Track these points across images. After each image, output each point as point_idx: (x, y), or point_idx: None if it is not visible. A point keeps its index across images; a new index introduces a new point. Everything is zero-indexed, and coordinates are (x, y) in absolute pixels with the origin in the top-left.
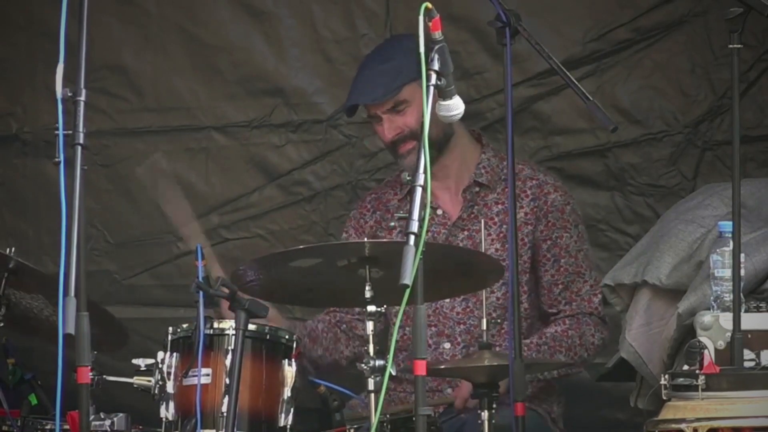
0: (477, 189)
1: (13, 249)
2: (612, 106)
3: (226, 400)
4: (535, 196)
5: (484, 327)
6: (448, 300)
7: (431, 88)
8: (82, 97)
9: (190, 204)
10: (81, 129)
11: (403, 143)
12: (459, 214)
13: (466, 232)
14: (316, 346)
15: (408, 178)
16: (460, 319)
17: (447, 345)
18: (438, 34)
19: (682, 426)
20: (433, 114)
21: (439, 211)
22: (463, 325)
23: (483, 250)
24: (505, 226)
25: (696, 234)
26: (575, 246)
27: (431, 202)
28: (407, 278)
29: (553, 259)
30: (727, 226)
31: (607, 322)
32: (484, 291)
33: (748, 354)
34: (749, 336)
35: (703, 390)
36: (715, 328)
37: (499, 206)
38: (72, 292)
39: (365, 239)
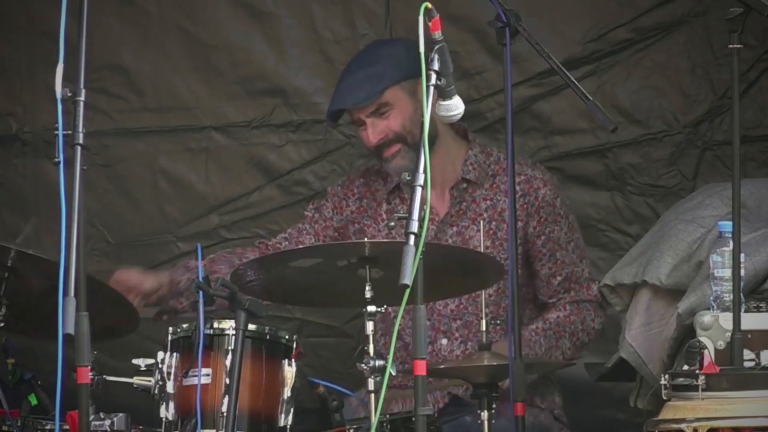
0: (465, 185)
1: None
2: (612, 106)
3: (226, 400)
4: (524, 192)
5: (484, 328)
6: None
7: (431, 88)
8: (82, 97)
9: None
10: (81, 129)
11: (387, 147)
12: (447, 210)
13: (455, 228)
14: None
15: (408, 178)
16: (454, 316)
17: (444, 341)
18: (438, 34)
19: (682, 426)
20: (417, 117)
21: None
22: (459, 320)
23: (482, 249)
24: (494, 222)
25: (696, 234)
26: (566, 237)
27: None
28: (407, 278)
29: (548, 253)
30: (727, 226)
31: (605, 307)
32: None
33: (748, 354)
34: (749, 336)
35: (703, 390)
36: (715, 328)
37: (487, 202)
38: (72, 292)
39: (340, 225)
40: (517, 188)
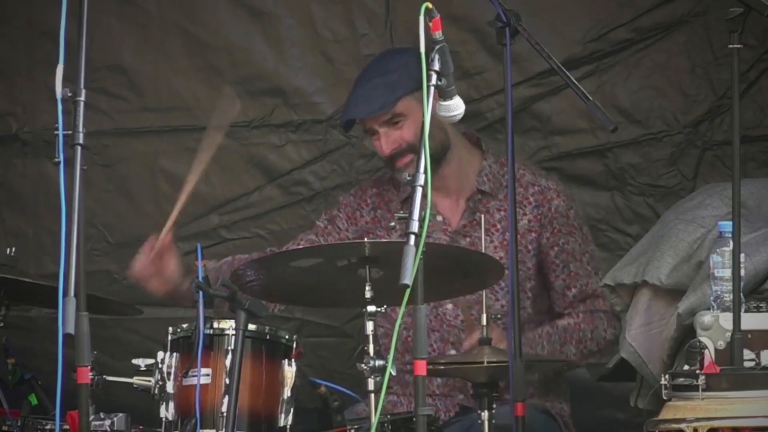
0: (480, 197)
1: (13, 249)
2: (612, 106)
3: (226, 400)
4: (538, 203)
5: (484, 323)
6: (450, 307)
7: (431, 88)
8: (82, 97)
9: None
10: (81, 129)
11: (401, 157)
12: (460, 221)
13: (468, 239)
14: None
15: (408, 178)
16: (464, 327)
17: (453, 352)
18: (438, 34)
19: (682, 426)
20: (431, 127)
21: (439, 218)
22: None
23: (483, 250)
24: (508, 233)
25: (696, 234)
26: (580, 249)
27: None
28: (407, 278)
29: (562, 264)
30: (727, 226)
31: (621, 318)
32: (484, 294)
33: (748, 354)
34: (749, 336)
35: (703, 390)
36: (715, 328)
37: (502, 213)
38: (72, 292)
39: (355, 236)
40: (531, 199)
